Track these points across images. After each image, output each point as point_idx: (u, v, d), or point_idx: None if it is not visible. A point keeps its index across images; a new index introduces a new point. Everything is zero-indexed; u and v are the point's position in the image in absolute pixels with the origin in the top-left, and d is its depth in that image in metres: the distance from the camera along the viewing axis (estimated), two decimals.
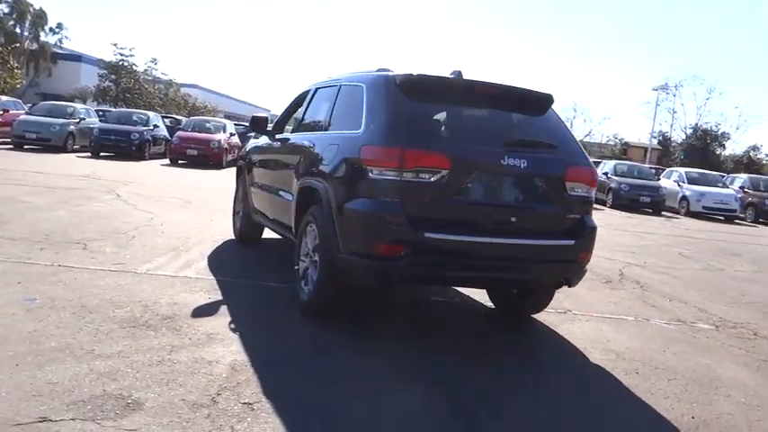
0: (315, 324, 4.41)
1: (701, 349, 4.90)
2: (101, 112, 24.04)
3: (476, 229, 4.02)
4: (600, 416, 3.54)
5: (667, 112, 62.44)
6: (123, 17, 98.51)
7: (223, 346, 3.81)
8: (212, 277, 5.40)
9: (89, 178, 12.38)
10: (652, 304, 6.31)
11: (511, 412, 3.41)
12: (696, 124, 54.19)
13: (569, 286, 4.48)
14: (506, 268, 4.12)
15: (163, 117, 24.53)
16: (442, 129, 4.25)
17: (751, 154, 54.15)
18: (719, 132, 53.91)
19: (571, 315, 5.44)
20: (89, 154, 18.96)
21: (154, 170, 16.85)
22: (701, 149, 51.93)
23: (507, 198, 4.15)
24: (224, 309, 4.56)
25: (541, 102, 4.50)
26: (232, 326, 4.19)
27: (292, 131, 5.87)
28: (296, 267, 4.82)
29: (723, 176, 24.80)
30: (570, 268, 4.35)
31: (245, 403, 3.07)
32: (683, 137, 55.74)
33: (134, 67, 43.07)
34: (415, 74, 4.24)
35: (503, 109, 4.42)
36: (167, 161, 19.90)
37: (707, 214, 20.56)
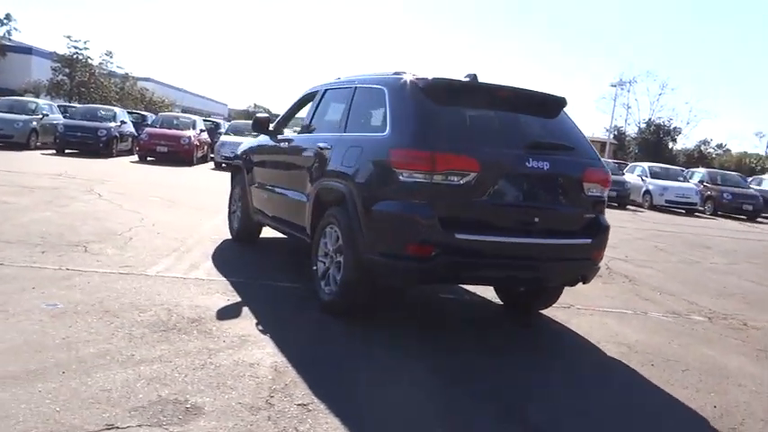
0: (339, 323, 4.46)
1: (702, 341, 5.14)
2: (62, 108, 23.37)
3: (502, 230, 4.14)
4: (629, 405, 3.69)
5: (622, 107, 64.06)
6: (75, 9, 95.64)
7: (258, 348, 3.84)
8: (223, 278, 5.39)
9: (63, 177, 12.08)
10: (645, 297, 6.55)
11: (545, 399, 3.54)
12: (650, 119, 55.80)
13: (584, 283, 4.65)
14: (530, 267, 4.26)
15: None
16: (468, 132, 4.34)
17: (702, 148, 56.13)
18: (672, 127, 55.72)
19: (575, 310, 5.62)
20: (53, 151, 18.45)
21: (125, 168, 16.53)
22: (655, 143, 53.55)
23: (530, 199, 4.28)
24: (246, 311, 4.57)
25: (556, 104, 4.64)
26: (260, 327, 4.22)
27: (301, 132, 5.88)
28: (314, 268, 4.86)
29: (683, 171, 25.63)
30: (587, 266, 4.52)
31: (300, 404, 3.12)
32: (637, 131, 57.27)
33: (89, 60, 41.97)
34: (438, 78, 4.33)
35: (520, 112, 4.54)
36: (136, 158, 19.52)
37: (669, 207, 21.28)
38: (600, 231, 4.50)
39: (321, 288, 4.73)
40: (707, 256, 10.68)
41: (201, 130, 20.68)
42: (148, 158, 19.12)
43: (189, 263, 5.87)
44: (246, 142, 7.59)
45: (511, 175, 4.16)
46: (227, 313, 4.46)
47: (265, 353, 3.77)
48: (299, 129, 6.71)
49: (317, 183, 4.88)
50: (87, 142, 18.22)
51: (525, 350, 4.55)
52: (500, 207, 4.17)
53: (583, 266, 4.49)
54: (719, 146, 59.19)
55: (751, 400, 3.90)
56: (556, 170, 4.25)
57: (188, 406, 2.96)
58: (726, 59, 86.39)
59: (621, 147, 56.45)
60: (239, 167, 7.17)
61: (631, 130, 57.64)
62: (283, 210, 5.71)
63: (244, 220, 6.95)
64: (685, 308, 6.28)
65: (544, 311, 5.34)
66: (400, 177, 4.00)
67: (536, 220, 4.25)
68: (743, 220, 21.56)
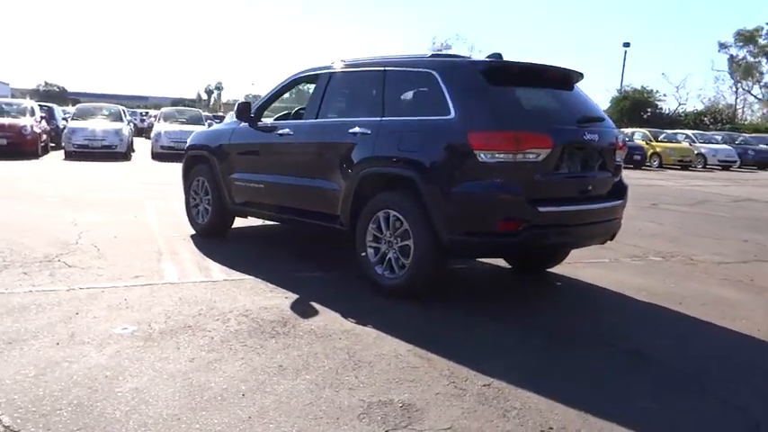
0: (414, 305, 4.53)
1: (684, 278, 5.98)
2: None
3: (569, 200, 4.52)
4: (699, 335, 4.28)
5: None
6: None
7: (378, 339, 3.84)
8: (251, 276, 5.15)
9: None
10: (605, 247, 7.34)
11: (642, 333, 4.00)
12: None
13: (611, 240, 5.17)
14: (592, 230, 4.70)
15: None
16: (533, 111, 4.59)
17: None
18: None
19: (567, 265, 6.18)
20: None
21: None
22: None
23: (587, 169, 4.67)
24: (315, 305, 4.47)
25: (576, 78, 5.04)
26: (352, 319, 4.18)
27: (306, 118, 5.67)
28: (362, 254, 4.87)
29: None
30: (617, 224, 5.05)
31: (484, 385, 3.24)
32: None
33: None
34: (494, 59, 4.51)
35: (556, 88, 4.87)
36: None
37: None
38: (624, 192, 5.05)
39: (378, 273, 4.76)
40: None
41: (42, 117, 18.48)
42: None
43: (193, 265, 5.52)
44: (202, 130, 7.12)
45: (573, 148, 4.50)
46: (304, 311, 4.35)
47: (394, 343, 3.79)
48: (280, 115, 6.51)
49: (359, 169, 4.84)
50: None
51: (570, 298, 5.03)
52: (567, 178, 4.52)
53: (616, 225, 5.01)
54: None
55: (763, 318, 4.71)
56: (602, 141, 4.69)
57: (403, 406, 2.97)
58: (530, 19, 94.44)
59: None
60: (201, 158, 6.74)
61: None
62: (297, 199, 5.54)
63: (216, 214, 6.59)
64: (639, 251, 7.16)
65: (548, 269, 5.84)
66: (480, 158, 4.16)
67: (590, 188, 4.67)
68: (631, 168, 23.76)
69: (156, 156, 18.47)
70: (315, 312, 4.33)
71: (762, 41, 53.86)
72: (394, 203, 4.61)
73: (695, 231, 8.90)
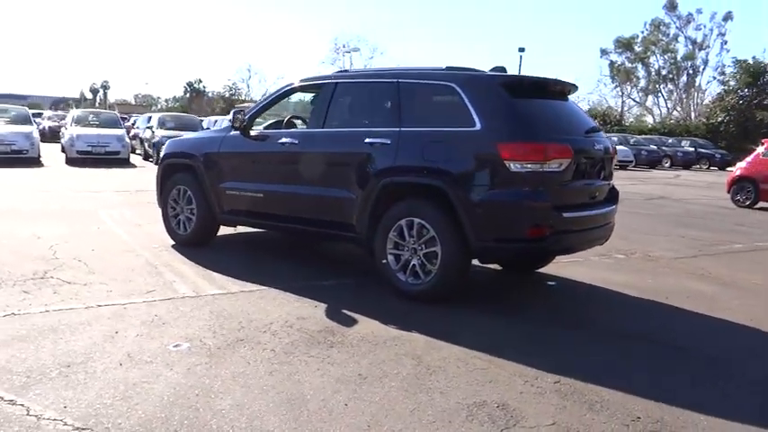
0: (438, 308, 4.69)
1: (657, 274, 6.51)
2: None
3: (585, 205, 4.87)
4: (709, 327, 4.74)
5: (339, 70, 67.77)
6: None
7: (430, 344, 3.99)
8: (264, 287, 5.11)
9: None
10: None
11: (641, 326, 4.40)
12: None
13: (605, 242, 5.57)
14: (598, 233, 5.07)
15: None
16: (552, 122, 4.86)
17: None
18: None
19: (550, 264, 6.58)
20: None
21: None
22: None
23: (596, 177, 5.04)
24: (348, 313, 4.54)
25: (572, 90, 5.40)
26: (392, 326, 4.29)
27: (311, 127, 5.68)
28: (384, 261, 4.98)
29: None
30: (613, 226, 5.46)
31: (567, 384, 3.48)
32: None
33: None
34: (510, 74, 4.78)
35: (558, 99, 5.19)
36: None
37: None
38: (617, 197, 5.47)
39: (401, 279, 4.90)
40: None
41: None
42: None
43: (198, 277, 5.41)
44: (183, 138, 6.92)
45: (586, 157, 4.84)
46: (343, 319, 4.42)
47: (446, 346, 3.95)
48: (269, 123, 6.48)
49: (380, 178, 4.94)
50: None
51: (577, 297, 5.40)
52: (583, 186, 4.86)
53: (612, 227, 5.42)
54: None
55: (747, 305, 5.28)
56: (605, 150, 5.08)
57: (499, 407, 3.14)
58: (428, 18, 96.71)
59: None
60: (183, 166, 6.58)
61: None
62: (305, 208, 5.55)
63: (201, 224, 6.45)
64: (602, 250, 7.64)
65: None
66: (511, 168, 4.41)
67: (597, 194, 5.05)
68: None
69: (72, 161, 17.49)
70: (353, 320, 4.41)
71: (637, 48, 57.87)
72: (419, 211, 4.76)
73: (638, 229, 9.62)
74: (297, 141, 5.63)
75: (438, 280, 4.71)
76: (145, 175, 15.51)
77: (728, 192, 14.32)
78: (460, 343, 4.00)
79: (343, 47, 61.79)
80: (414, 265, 4.84)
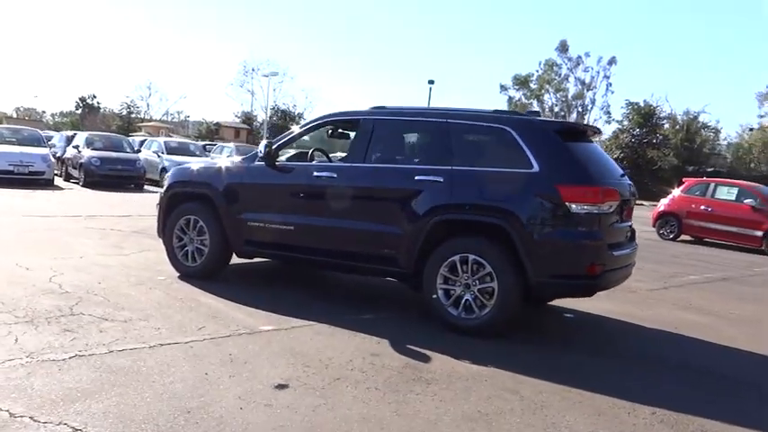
0: (493, 341, 4.88)
1: (646, 306, 7.04)
2: None
3: (622, 244, 5.25)
4: (722, 353, 5.21)
5: (247, 92, 67.39)
6: None
7: (515, 378, 4.16)
8: (313, 322, 5.08)
9: None
10: None
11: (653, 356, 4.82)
12: (275, 105, 60.51)
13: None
14: (628, 270, 5.48)
15: None
16: (599, 167, 5.21)
17: None
18: (296, 113, 61.44)
19: None
20: None
21: None
22: (282, 127, 58.30)
23: (625, 218, 5.43)
24: (417, 349, 4.61)
25: (598, 134, 5.84)
26: (465, 360, 4.43)
27: (349, 161, 5.72)
28: (434, 296, 5.11)
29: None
30: (635, 264, 5.88)
31: (664, 415, 3.75)
32: (264, 116, 61.34)
33: None
34: (559, 120, 5.11)
35: (590, 143, 5.58)
36: None
37: None
38: (635, 236, 5.91)
39: (452, 314, 5.04)
40: None
41: None
42: None
43: (237, 312, 5.27)
44: (193, 166, 6.72)
45: (624, 199, 5.24)
46: (416, 355, 4.50)
47: (531, 381, 4.14)
48: (291, 155, 6.47)
49: (432, 215, 5.08)
50: None
51: (598, 329, 5.76)
52: (621, 226, 5.24)
53: (634, 265, 5.83)
54: None
55: (747, 334, 5.85)
56: (632, 193, 5.51)
57: None
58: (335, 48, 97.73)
59: (253, 131, 60.23)
60: (195, 195, 6.41)
61: (261, 116, 61.43)
62: (344, 242, 5.56)
63: (216, 255, 6.29)
64: None
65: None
66: (572, 209, 4.71)
67: (629, 234, 5.47)
68: None
69: None
70: (425, 356, 4.50)
71: (533, 86, 61.21)
72: (475, 248, 4.95)
73: None
74: (335, 175, 5.66)
75: (494, 314, 4.90)
76: (79, 198, 14.67)
77: (654, 226, 15.54)
78: (540, 377, 4.20)
79: (253, 70, 61.87)
80: (467, 299, 5.00)
